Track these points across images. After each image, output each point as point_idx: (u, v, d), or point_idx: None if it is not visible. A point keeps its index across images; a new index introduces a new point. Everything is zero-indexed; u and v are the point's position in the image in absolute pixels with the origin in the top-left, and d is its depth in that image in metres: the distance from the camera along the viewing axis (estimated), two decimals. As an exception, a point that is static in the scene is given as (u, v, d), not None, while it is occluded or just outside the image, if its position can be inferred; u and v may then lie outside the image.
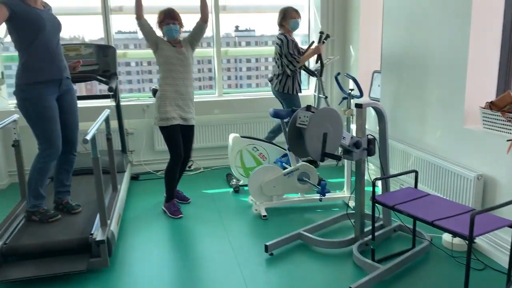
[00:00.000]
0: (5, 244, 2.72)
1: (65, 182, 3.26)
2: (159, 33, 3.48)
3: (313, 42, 4.36)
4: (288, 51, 3.94)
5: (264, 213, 3.53)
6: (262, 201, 3.62)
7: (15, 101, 4.38)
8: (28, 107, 2.87)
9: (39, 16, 2.83)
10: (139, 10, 3.34)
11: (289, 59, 3.95)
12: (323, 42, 4.09)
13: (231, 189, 4.20)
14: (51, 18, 2.95)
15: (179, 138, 3.47)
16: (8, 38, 3.01)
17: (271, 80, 4.19)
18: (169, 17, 3.40)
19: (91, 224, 2.96)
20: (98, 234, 2.76)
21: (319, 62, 4.26)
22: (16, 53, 2.87)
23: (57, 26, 2.98)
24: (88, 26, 4.71)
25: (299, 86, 4.10)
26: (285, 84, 4.03)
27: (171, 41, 3.46)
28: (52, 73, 2.93)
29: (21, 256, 2.74)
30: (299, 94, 4.16)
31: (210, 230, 3.34)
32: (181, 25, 3.48)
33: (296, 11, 4.04)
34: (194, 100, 3.61)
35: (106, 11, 4.54)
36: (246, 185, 4.00)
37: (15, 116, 3.33)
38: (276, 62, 4.10)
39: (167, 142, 3.49)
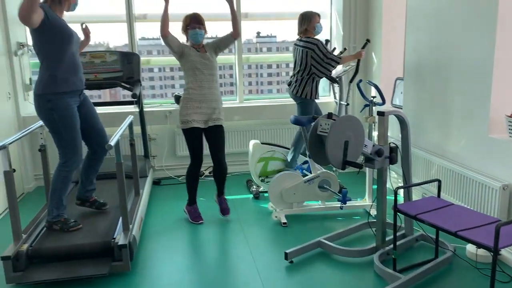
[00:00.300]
0: (31, 247, 2.78)
1: (94, 180, 3.37)
2: (182, 38, 3.52)
3: (345, 49, 4.36)
4: (327, 51, 3.90)
5: (284, 220, 3.52)
6: (282, 208, 3.62)
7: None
8: (54, 117, 2.91)
9: (68, 27, 2.91)
10: (165, 28, 3.35)
11: (329, 59, 3.89)
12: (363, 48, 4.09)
13: (251, 195, 4.21)
14: (73, 30, 3.03)
15: (197, 141, 3.48)
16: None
17: (289, 84, 4.18)
18: (195, 21, 3.44)
19: (114, 228, 3.00)
20: (120, 238, 2.80)
21: (341, 68, 4.24)
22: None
23: (78, 37, 3.07)
24: (113, 32, 4.81)
25: (317, 92, 4.08)
26: (304, 88, 4.01)
27: (195, 46, 3.49)
28: (77, 84, 3.01)
29: (46, 258, 2.80)
30: (316, 100, 4.14)
31: (230, 236, 3.36)
32: (205, 31, 3.50)
33: (318, 15, 4.04)
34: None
35: (130, 19, 4.63)
36: (266, 192, 4.00)
37: (42, 122, 3.42)
38: (299, 67, 4.05)
39: (187, 145, 3.52)
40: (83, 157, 3.14)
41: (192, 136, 3.46)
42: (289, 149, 4.21)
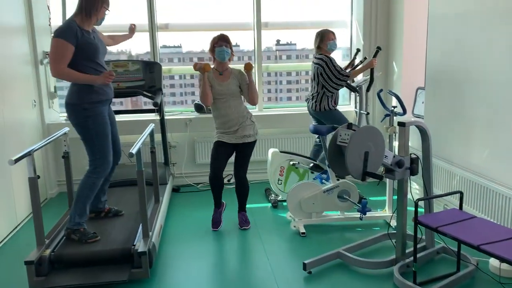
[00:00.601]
0: (53, 252, 2.84)
1: (106, 191, 3.43)
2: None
3: (365, 58, 4.35)
4: (335, 68, 3.94)
5: (302, 230, 3.51)
6: (301, 218, 3.60)
7: (66, 115, 4.64)
8: (90, 125, 3.01)
9: (94, 41, 3.01)
10: (208, 101, 3.48)
11: (338, 76, 3.93)
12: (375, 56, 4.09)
13: (270, 204, 4.21)
14: (101, 40, 3.13)
15: (217, 153, 3.56)
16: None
17: (307, 100, 4.22)
18: (222, 39, 3.51)
19: (134, 235, 3.04)
20: (140, 245, 2.83)
21: (361, 77, 4.23)
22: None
23: (105, 48, 3.18)
24: (135, 41, 4.90)
25: (335, 102, 4.09)
26: (321, 102, 4.05)
27: (219, 67, 3.55)
28: (109, 93, 3.15)
29: (68, 264, 2.85)
30: (337, 109, 4.15)
31: (248, 245, 3.36)
32: (231, 50, 3.55)
33: (333, 33, 4.07)
34: None
35: (153, 29, 4.71)
36: (284, 201, 4.00)
37: (66, 129, 3.50)
38: (313, 82, 4.10)
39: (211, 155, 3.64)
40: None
41: (214, 147, 3.59)
42: (308, 158, 4.21)
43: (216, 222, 3.68)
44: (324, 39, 4.04)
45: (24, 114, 4.08)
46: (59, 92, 4.78)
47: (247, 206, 3.76)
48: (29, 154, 2.73)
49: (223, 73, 3.54)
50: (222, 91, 3.50)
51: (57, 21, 4.47)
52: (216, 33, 3.59)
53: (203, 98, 3.47)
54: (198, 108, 4.84)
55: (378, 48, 4.13)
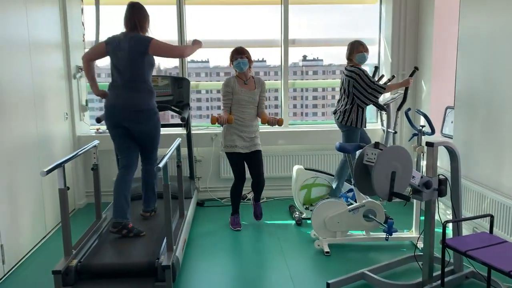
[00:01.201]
0: (80, 262, 2.89)
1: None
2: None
3: (393, 76, 4.32)
4: (370, 80, 3.88)
5: (327, 249, 3.47)
6: (325, 237, 3.57)
7: (97, 126, 4.78)
8: (158, 126, 3.46)
9: None
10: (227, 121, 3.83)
11: (373, 87, 3.86)
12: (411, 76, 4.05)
13: (294, 221, 4.19)
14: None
15: (240, 163, 3.94)
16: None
17: (335, 112, 4.16)
18: (236, 52, 3.85)
19: (158, 249, 3.07)
20: (164, 259, 2.86)
21: (389, 95, 4.19)
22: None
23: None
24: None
25: (363, 120, 4.02)
26: (349, 116, 3.97)
27: (242, 77, 3.90)
28: None
29: (93, 274, 2.90)
30: (364, 128, 4.09)
31: (271, 262, 3.34)
32: (249, 59, 3.88)
33: (363, 45, 4.00)
34: (260, 130, 4.06)
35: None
36: (309, 219, 3.97)
37: (96, 142, 3.59)
38: (343, 95, 4.05)
39: (231, 166, 3.99)
40: None
41: (235, 159, 3.92)
42: (333, 175, 4.18)
43: (237, 223, 4.05)
44: (354, 50, 3.98)
45: (56, 126, 4.21)
46: (90, 104, 4.92)
47: (270, 222, 3.74)
48: (60, 166, 2.81)
49: (247, 82, 3.90)
50: (248, 99, 3.86)
51: (90, 37, 4.62)
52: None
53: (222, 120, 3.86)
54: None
55: (416, 68, 4.10)
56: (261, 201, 4.21)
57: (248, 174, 4.03)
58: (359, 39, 4.03)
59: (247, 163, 3.99)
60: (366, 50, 4.00)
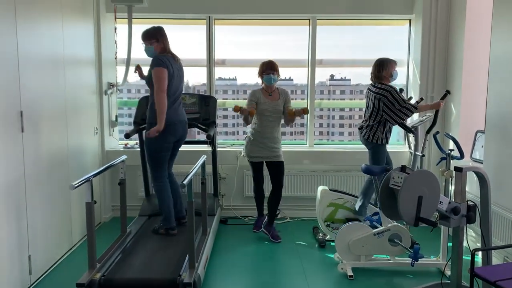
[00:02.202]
0: (103, 276, 2.93)
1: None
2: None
3: (422, 98, 4.27)
4: (401, 98, 3.84)
5: (350, 273, 3.40)
6: (349, 260, 3.50)
7: (125, 142, 4.87)
8: (152, 141, 3.62)
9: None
10: (249, 122, 4.11)
11: (404, 105, 3.82)
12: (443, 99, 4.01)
13: (317, 243, 4.13)
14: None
15: (258, 171, 4.18)
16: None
17: (360, 128, 4.13)
18: (269, 67, 4.02)
19: (180, 265, 3.08)
20: (186, 276, 2.86)
21: (417, 117, 4.13)
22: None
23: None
24: (193, 73, 5.13)
25: (387, 137, 4.00)
26: (375, 133, 3.94)
27: (268, 89, 4.08)
28: None
29: (116, 289, 2.93)
30: (386, 145, 4.05)
31: (293, 284, 3.30)
32: (278, 75, 4.07)
33: (395, 62, 4.01)
34: (286, 149, 4.29)
35: (210, 64, 4.90)
36: (332, 241, 3.91)
37: (124, 157, 3.66)
38: (371, 112, 3.99)
39: (252, 171, 4.23)
40: None
41: (255, 167, 4.18)
42: (358, 197, 4.12)
43: (258, 226, 4.29)
44: (388, 67, 3.95)
45: (86, 140, 4.32)
46: (119, 120, 5.04)
47: (294, 243, 3.71)
48: (88, 180, 2.87)
49: (272, 94, 4.07)
50: (271, 109, 4.03)
51: (122, 55, 4.76)
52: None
53: (245, 121, 4.12)
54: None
55: (448, 92, 4.05)
56: (277, 215, 4.35)
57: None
58: (385, 57, 4.02)
59: (268, 170, 4.16)
60: (396, 67, 4.01)
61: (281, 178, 4.15)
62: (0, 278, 2.82)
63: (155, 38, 3.60)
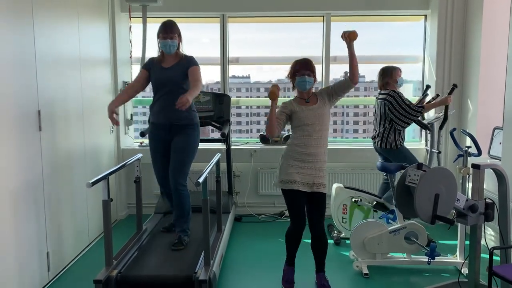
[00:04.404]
0: (120, 273, 2.96)
1: (175, 215, 3.62)
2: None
3: (438, 95, 4.21)
4: (405, 103, 3.81)
5: (366, 271, 3.38)
6: (365, 258, 3.48)
7: (140, 140, 4.91)
8: (198, 141, 3.49)
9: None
10: (274, 130, 2.95)
11: (408, 110, 3.80)
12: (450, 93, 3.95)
13: (332, 241, 4.12)
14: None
15: (299, 204, 3.04)
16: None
17: (373, 138, 4.10)
18: (304, 67, 3.04)
19: (196, 263, 3.10)
20: (201, 273, 2.88)
21: (433, 114, 4.08)
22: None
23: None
24: (206, 71, 5.15)
25: (402, 139, 3.96)
26: (388, 139, 3.91)
27: (304, 95, 3.08)
28: (158, 118, 3.45)
29: (132, 285, 2.95)
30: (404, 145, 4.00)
31: (308, 282, 3.29)
32: (315, 78, 3.09)
33: (399, 69, 3.98)
34: None
35: (224, 62, 4.92)
36: (348, 238, 3.89)
37: (139, 155, 3.69)
38: (380, 119, 3.97)
39: (287, 206, 3.11)
40: None
41: (293, 198, 3.04)
42: (373, 195, 4.10)
43: (289, 281, 3.18)
44: (393, 74, 3.94)
45: (102, 139, 4.37)
46: (134, 118, 5.08)
47: (307, 240, 3.57)
48: (104, 178, 2.90)
49: (309, 100, 3.07)
50: (312, 116, 3.00)
51: (137, 54, 4.80)
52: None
53: (268, 127, 2.95)
54: (263, 140, 4.92)
55: (454, 86, 3.98)
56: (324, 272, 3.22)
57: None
58: (389, 65, 3.99)
59: (307, 204, 3.10)
60: (401, 74, 4.00)
61: (321, 219, 3.08)
62: (19, 275, 2.87)
63: (178, 32, 3.36)
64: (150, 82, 3.41)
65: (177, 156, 3.38)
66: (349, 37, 2.96)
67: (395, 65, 4.04)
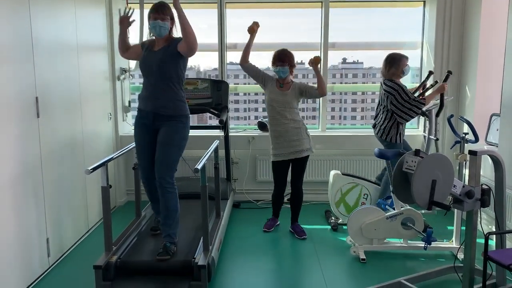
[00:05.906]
0: (119, 259, 2.99)
1: (160, 212, 3.26)
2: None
3: (436, 82, 4.19)
4: (409, 97, 3.79)
5: (363, 256, 3.42)
6: (361, 243, 3.52)
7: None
8: (186, 135, 3.13)
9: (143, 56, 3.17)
10: (246, 57, 3.82)
11: (413, 103, 3.77)
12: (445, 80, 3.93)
13: (329, 227, 4.15)
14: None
15: (279, 172, 3.90)
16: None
17: (374, 126, 4.10)
18: (278, 59, 3.75)
19: (195, 248, 3.12)
20: (200, 258, 2.91)
21: (431, 101, 4.08)
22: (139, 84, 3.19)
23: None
24: (204, 58, 5.13)
25: (401, 135, 3.94)
26: (389, 132, 3.89)
27: (281, 80, 3.80)
28: (144, 105, 3.16)
29: (131, 271, 2.97)
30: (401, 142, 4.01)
31: (306, 267, 3.33)
32: (291, 66, 3.77)
33: (407, 57, 3.92)
34: None
35: (222, 49, 4.89)
36: (345, 224, 3.93)
37: (137, 142, 3.69)
38: (382, 109, 3.96)
39: (273, 173, 3.96)
40: None
41: (275, 168, 3.91)
42: (369, 181, 4.12)
43: (269, 225, 4.05)
44: (400, 64, 3.86)
45: (100, 126, 4.37)
46: (132, 105, 5.07)
47: (305, 226, 3.72)
48: (103, 164, 2.91)
49: (283, 85, 3.79)
50: (277, 99, 3.73)
51: (134, 39, 4.76)
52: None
53: (242, 54, 3.83)
54: (261, 127, 4.92)
55: (449, 72, 3.97)
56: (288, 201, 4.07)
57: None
58: (394, 52, 3.94)
59: (291, 169, 3.91)
60: (408, 62, 3.93)
61: (299, 179, 3.89)
62: (20, 261, 2.90)
63: (171, 15, 3.08)
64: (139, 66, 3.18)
65: (162, 149, 3.05)
66: (315, 62, 3.69)
67: (396, 51, 3.96)
